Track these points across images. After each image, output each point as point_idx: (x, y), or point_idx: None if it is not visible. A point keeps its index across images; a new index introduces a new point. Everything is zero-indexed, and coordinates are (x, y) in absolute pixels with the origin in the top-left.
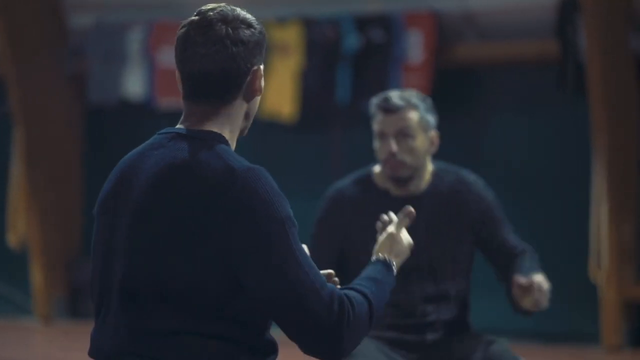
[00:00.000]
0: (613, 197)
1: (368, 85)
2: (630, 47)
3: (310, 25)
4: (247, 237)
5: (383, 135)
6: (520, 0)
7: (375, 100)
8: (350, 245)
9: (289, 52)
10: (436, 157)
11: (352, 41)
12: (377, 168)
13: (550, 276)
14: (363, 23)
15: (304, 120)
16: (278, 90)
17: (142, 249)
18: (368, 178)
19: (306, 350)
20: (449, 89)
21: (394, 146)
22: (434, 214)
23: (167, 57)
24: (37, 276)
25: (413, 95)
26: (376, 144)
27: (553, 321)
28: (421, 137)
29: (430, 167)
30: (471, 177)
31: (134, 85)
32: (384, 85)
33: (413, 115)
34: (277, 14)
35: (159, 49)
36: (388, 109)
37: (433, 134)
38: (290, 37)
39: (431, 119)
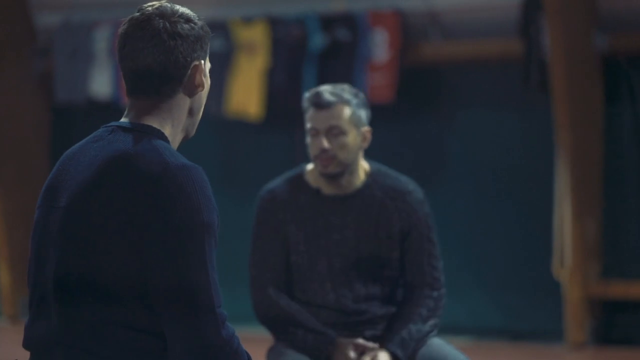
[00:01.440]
0: (576, 194)
1: (333, 84)
2: (594, 46)
3: (276, 24)
4: (163, 234)
5: (315, 132)
6: None
7: (307, 96)
8: (285, 245)
9: (255, 51)
10: (401, 154)
11: (318, 40)
12: (309, 166)
13: (514, 274)
14: (328, 22)
15: (270, 119)
16: (244, 89)
17: (74, 241)
18: (299, 177)
19: (178, 356)
20: (414, 87)
21: (325, 143)
22: (364, 215)
23: None
24: (4, 277)
25: (345, 91)
26: (308, 141)
27: (518, 319)
28: (353, 133)
29: (365, 166)
30: (411, 186)
31: (100, 84)
32: (350, 84)
33: (345, 111)
34: (243, 13)
35: None
36: (319, 104)
37: (365, 129)
38: (256, 36)
39: (363, 114)
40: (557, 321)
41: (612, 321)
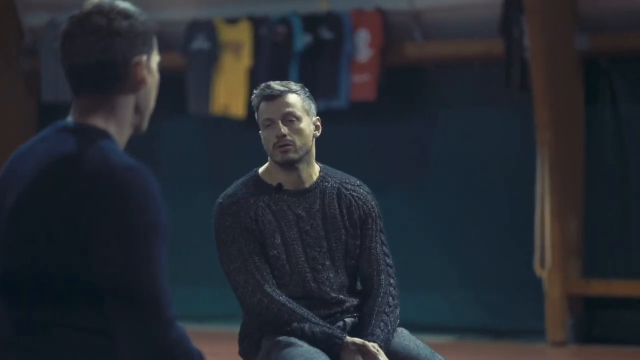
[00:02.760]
0: (557, 193)
1: (317, 84)
2: (575, 47)
3: (260, 24)
4: (109, 235)
5: (270, 122)
6: None
7: (256, 92)
8: (261, 241)
9: (239, 51)
10: (383, 152)
11: (302, 40)
12: (261, 169)
13: (496, 272)
14: (312, 22)
15: (254, 118)
16: (229, 88)
17: (21, 242)
18: (255, 179)
19: (128, 356)
20: (396, 86)
21: (283, 129)
22: (327, 206)
23: None
24: None
25: (291, 83)
26: (263, 134)
27: (499, 317)
28: (307, 120)
29: (316, 165)
30: (357, 181)
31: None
32: (333, 83)
33: (296, 99)
34: (228, 13)
35: None
36: (271, 95)
37: (316, 118)
38: (241, 35)
39: (312, 105)
40: (538, 319)
41: (592, 319)
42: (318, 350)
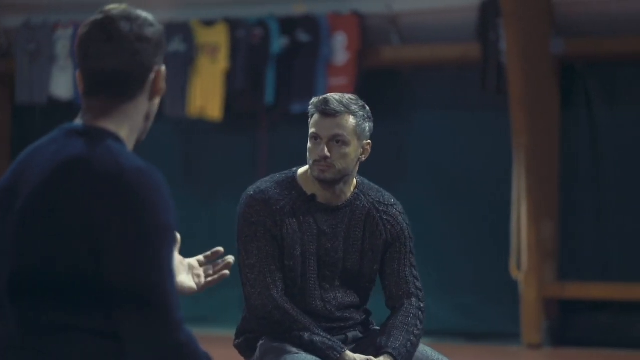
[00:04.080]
0: (533, 196)
1: (294, 86)
2: (551, 51)
3: (237, 26)
4: (120, 237)
5: (317, 138)
6: (443, 3)
7: (314, 101)
8: (280, 248)
9: (215, 53)
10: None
11: (278, 43)
12: (300, 170)
13: (471, 275)
14: (289, 25)
15: (231, 119)
16: (205, 90)
17: (30, 245)
18: (291, 181)
19: (135, 358)
20: (373, 89)
21: (326, 150)
22: (353, 227)
23: None
24: None
25: (352, 102)
26: (309, 144)
27: (475, 320)
28: (355, 144)
29: (354, 180)
30: (392, 199)
31: (61, 84)
32: (310, 86)
33: (350, 122)
34: (204, 15)
35: None
36: (326, 112)
37: (366, 142)
38: (217, 38)
39: (367, 127)
40: (513, 322)
41: (567, 322)
42: (315, 358)
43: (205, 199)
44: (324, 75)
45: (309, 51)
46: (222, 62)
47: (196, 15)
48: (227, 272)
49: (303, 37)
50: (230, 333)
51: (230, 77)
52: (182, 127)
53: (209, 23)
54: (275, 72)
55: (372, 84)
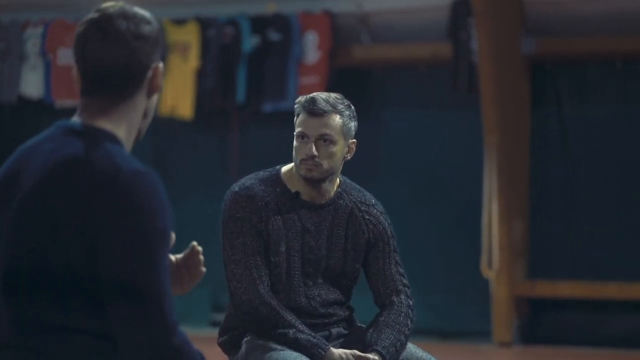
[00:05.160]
0: (504, 195)
1: (265, 85)
2: (521, 50)
3: (208, 25)
4: (116, 239)
5: (304, 137)
6: (414, 2)
7: (301, 100)
8: (266, 244)
9: (187, 52)
10: None
11: (250, 41)
12: (284, 168)
13: (443, 274)
14: (260, 24)
15: (202, 118)
16: (176, 89)
17: (24, 242)
18: (276, 178)
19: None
20: (345, 88)
21: (314, 149)
22: (336, 226)
23: (64, 57)
24: None
25: (339, 101)
26: (295, 143)
27: (447, 319)
28: (341, 144)
29: (337, 179)
30: (373, 199)
31: (31, 84)
32: (281, 85)
33: (337, 121)
34: (175, 14)
35: (56, 48)
36: (314, 111)
37: (352, 141)
38: (189, 37)
39: (353, 126)
40: (484, 321)
41: (538, 320)
42: (300, 355)
43: (176, 198)
44: (295, 74)
45: (280, 50)
46: (193, 61)
47: (167, 14)
48: (203, 268)
49: (274, 36)
50: (202, 332)
51: (201, 76)
52: (152, 126)
53: (180, 22)
54: (247, 71)
55: (343, 83)
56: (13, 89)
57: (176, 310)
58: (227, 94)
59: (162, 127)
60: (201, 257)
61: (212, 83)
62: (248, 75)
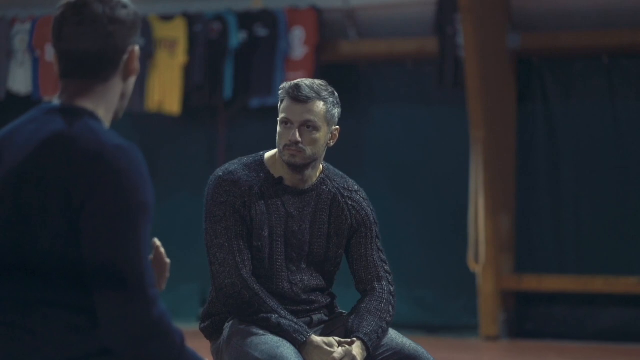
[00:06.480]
0: (490, 190)
1: (252, 81)
2: (507, 45)
3: (195, 21)
4: (99, 213)
5: (288, 123)
6: None
7: (285, 86)
8: (249, 228)
9: (174, 48)
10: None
11: (237, 37)
12: (267, 154)
13: (430, 268)
14: (247, 19)
15: (189, 114)
16: (163, 85)
17: (7, 219)
18: (259, 164)
19: (109, 333)
20: (331, 83)
21: (297, 135)
22: (319, 211)
23: (52, 53)
24: None
25: (323, 88)
26: (278, 129)
27: (432, 313)
28: (324, 130)
29: (320, 165)
30: (356, 186)
31: (19, 79)
32: (268, 80)
33: (321, 108)
34: (162, 10)
35: (44, 45)
36: (298, 98)
37: (335, 128)
38: (176, 32)
39: (336, 113)
40: (471, 315)
41: (524, 314)
42: (282, 340)
43: (164, 193)
44: (282, 69)
45: (267, 46)
46: (180, 57)
47: (154, 10)
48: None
49: (261, 31)
50: (191, 326)
51: (188, 71)
52: (140, 122)
53: (167, 18)
54: (234, 67)
55: (329, 78)
56: (1, 85)
57: (156, 283)
58: (215, 90)
59: (150, 122)
60: (162, 249)
61: (199, 79)
62: (235, 70)
